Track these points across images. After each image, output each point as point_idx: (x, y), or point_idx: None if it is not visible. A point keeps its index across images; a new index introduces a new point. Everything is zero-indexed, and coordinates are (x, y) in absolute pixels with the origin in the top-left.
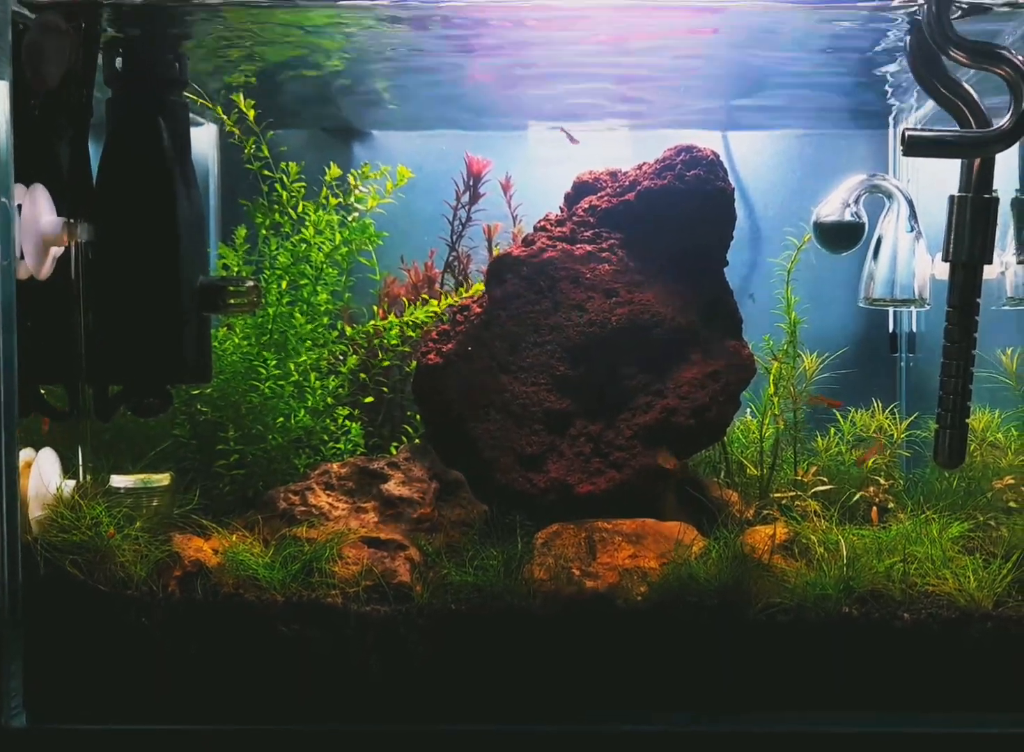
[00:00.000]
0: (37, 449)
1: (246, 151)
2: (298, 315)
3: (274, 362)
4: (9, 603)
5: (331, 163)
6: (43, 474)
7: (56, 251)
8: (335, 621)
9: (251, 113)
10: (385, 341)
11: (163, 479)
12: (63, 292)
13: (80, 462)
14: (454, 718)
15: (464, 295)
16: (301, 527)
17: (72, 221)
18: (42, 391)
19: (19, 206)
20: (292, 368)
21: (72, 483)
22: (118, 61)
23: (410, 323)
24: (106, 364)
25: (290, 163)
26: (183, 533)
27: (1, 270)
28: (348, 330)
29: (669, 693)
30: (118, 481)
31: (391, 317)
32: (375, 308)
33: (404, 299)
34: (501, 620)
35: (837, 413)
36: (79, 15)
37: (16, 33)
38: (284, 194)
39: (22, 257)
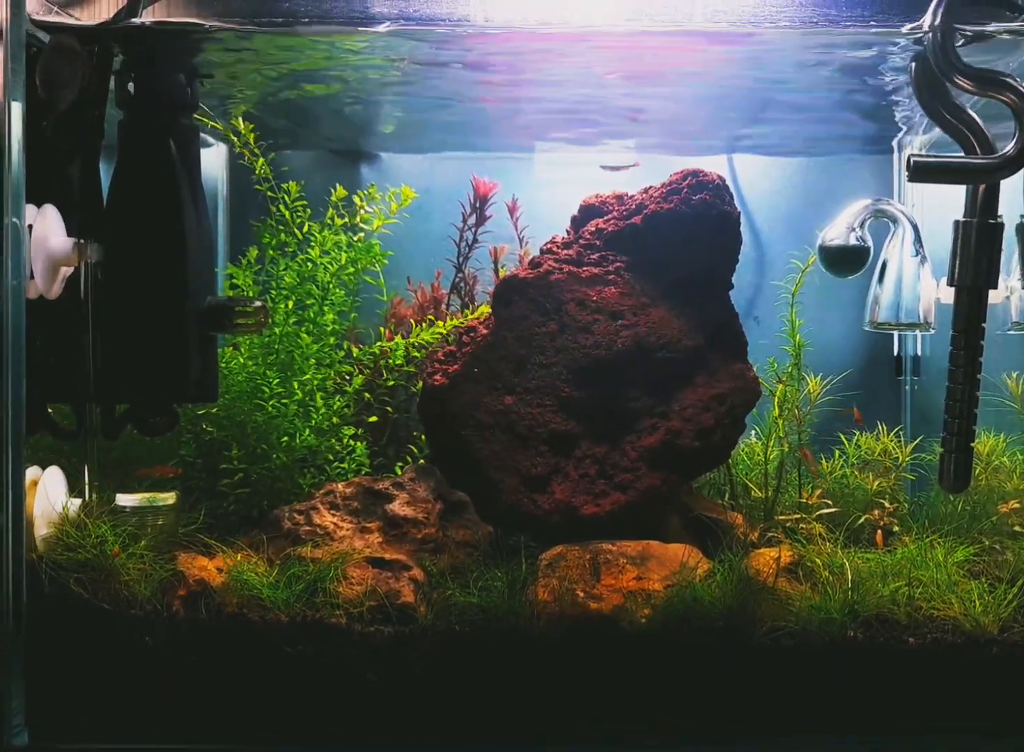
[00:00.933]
0: (44, 467)
1: (256, 172)
2: (304, 335)
3: (276, 381)
4: (13, 621)
5: (337, 184)
6: (49, 492)
7: (66, 271)
8: (339, 641)
9: (251, 136)
10: (391, 362)
11: (168, 498)
12: (72, 312)
13: (86, 480)
14: (457, 739)
15: (470, 316)
16: (306, 547)
17: (82, 241)
18: (49, 410)
19: (30, 226)
20: (297, 388)
21: (78, 501)
22: (130, 84)
23: (416, 344)
24: (113, 383)
25: (291, 183)
26: (188, 552)
27: (11, 289)
28: (355, 351)
29: (673, 716)
30: (124, 500)
31: (397, 339)
32: (382, 329)
33: (411, 320)
34: (505, 641)
35: (842, 435)
36: (92, 39)
37: (30, 55)
38: (288, 214)
39: (32, 277)
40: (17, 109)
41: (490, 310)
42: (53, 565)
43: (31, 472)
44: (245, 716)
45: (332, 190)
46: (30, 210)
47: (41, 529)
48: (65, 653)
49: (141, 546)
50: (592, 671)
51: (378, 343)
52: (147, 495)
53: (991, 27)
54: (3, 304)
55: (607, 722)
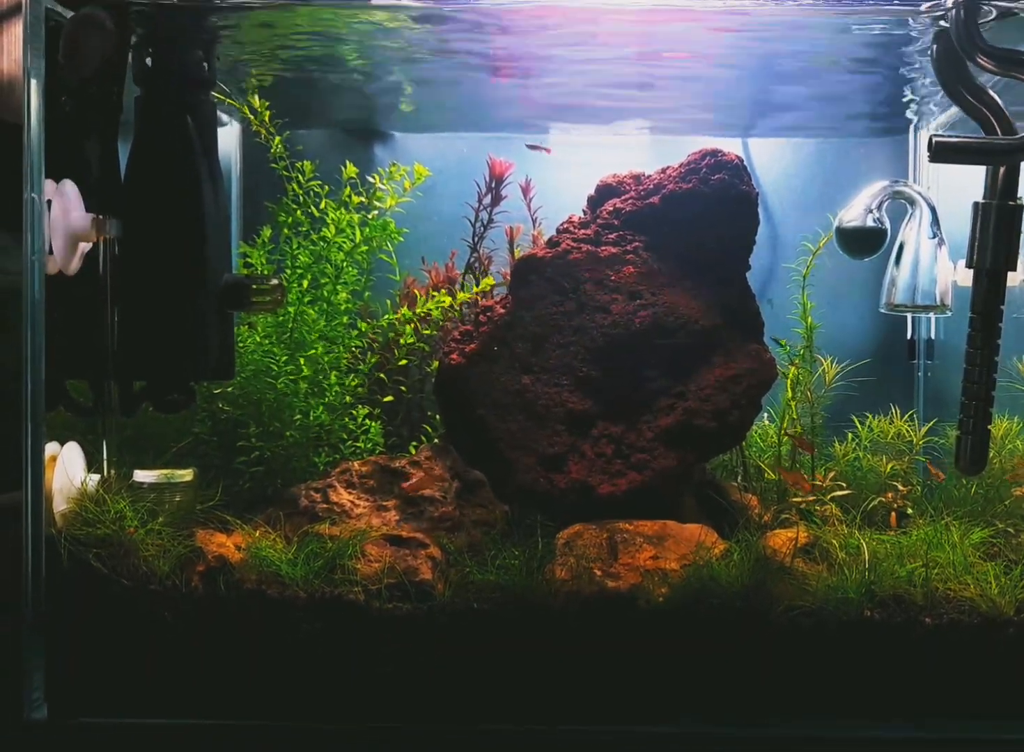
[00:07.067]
0: (62, 443)
1: (272, 151)
2: (311, 311)
3: (284, 358)
4: (32, 596)
5: (349, 163)
6: (68, 468)
7: (84, 247)
8: (357, 618)
9: (266, 114)
10: (402, 340)
11: (186, 474)
12: (90, 288)
13: (104, 456)
14: (474, 717)
15: (475, 290)
16: (323, 524)
17: (101, 217)
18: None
19: (49, 202)
20: (304, 364)
21: (96, 477)
22: (148, 60)
23: (422, 315)
24: (131, 360)
25: (305, 162)
26: (206, 529)
27: (31, 265)
28: (363, 326)
29: (689, 695)
30: (141, 476)
31: (403, 309)
32: (388, 302)
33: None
34: (522, 619)
35: (855, 418)
36: (111, 13)
37: (48, 29)
38: (301, 193)
39: (51, 252)
40: (36, 85)
41: (507, 289)
42: (72, 540)
43: (50, 448)
44: (263, 692)
45: (343, 169)
46: (49, 185)
47: (60, 504)
48: (84, 628)
49: (159, 522)
50: (609, 649)
51: (386, 316)
52: (165, 472)
53: (1016, 5)
54: (23, 279)
55: (624, 701)
